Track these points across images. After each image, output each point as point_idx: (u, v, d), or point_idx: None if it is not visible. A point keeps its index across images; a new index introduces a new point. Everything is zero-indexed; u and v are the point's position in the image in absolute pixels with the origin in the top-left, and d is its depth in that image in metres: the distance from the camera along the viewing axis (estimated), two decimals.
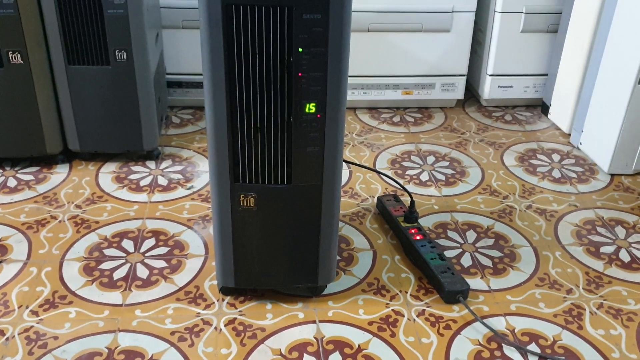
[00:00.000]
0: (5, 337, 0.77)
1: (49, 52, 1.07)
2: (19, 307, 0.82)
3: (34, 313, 0.81)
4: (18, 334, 0.78)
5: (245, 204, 0.76)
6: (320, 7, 0.65)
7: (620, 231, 1.04)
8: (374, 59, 1.41)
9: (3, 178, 1.13)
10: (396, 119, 1.45)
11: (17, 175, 1.15)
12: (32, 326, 0.79)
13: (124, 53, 1.07)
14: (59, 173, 1.16)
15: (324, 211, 0.78)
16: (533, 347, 0.79)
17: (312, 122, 0.71)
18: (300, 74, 0.68)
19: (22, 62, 1.05)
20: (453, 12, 1.37)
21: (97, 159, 1.21)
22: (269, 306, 0.84)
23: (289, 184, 0.75)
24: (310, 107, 0.70)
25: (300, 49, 0.67)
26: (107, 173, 1.17)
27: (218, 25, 0.65)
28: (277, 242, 0.79)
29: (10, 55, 1.04)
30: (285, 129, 0.72)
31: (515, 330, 0.81)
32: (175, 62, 1.37)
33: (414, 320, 0.82)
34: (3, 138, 1.12)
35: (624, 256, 0.98)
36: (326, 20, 0.65)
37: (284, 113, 0.71)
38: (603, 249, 0.99)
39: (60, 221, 1.01)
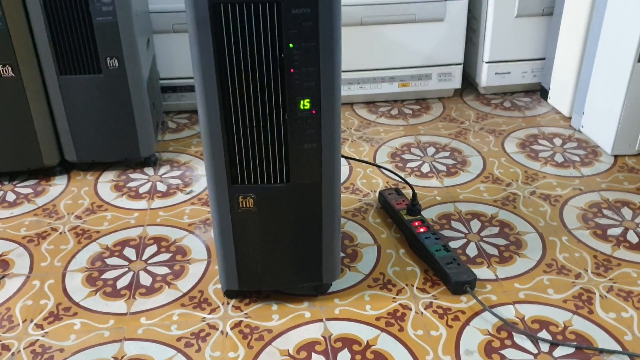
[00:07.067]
0: (11, 352, 0.77)
1: (40, 63, 1.06)
2: (23, 322, 0.82)
3: (39, 326, 0.81)
4: (24, 349, 0.77)
5: (244, 205, 0.75)
6: (309, 1, 0.63)
7: (627, 212, 1.03)
8: (368, 53, 1.40)
9: (2, 192, 1.13)
10: (394, 111, 1.44)
11: (16, 189, 1.14)
12: (37, 340, 0.79)
13: (115, 60, 1.06)
14: (58, 184, 1.15)
15: (324, 208, 0.77)
16: (544, 334, 0.78)
17: (307, 119, 0.70)
18: (292, 70, 0.67)
19: (13, 75, 1.05)
20: (446, 0, 1.36)
21: (95, 168, 1.20)
22: (274, 307, 0.83)
23: (288, 183, 0.74)
24: (305, 104, 0.69)
25: (291, 45, 0.66)
26: (106, 182, 1.16)
27: (206, 25, 0.64)
28: (279, 242, 0.78)
29: (1, 69, 1.04)
30: (281, 126, 0.71)
31: (525, 318, 0.80)
32: (168, 66, 1.36)
33: (422, 313, 0.81)
34: None
35: (632, 237, 0.96)
36: (315, 14, 0.64)
37: (278, 111, 0.70)
38: (610, 231, 0.98)
39: (60, 233, 1.01)
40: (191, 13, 0.64)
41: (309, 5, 0.64)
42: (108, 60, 1.06)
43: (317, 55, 0.66)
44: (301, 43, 0.66)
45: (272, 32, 0.65)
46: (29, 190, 1.13)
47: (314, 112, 0.70)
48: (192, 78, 1.38)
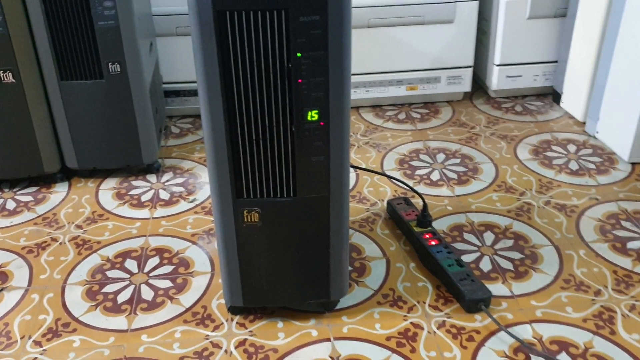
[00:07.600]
0: None
1: (41, 68, 1.03)
2: (21, 338, 0.79)
3: (37, 343, 0.78)
4: None
5: (249, 220, 0.72)
6: (317, 8, 0.60)
7: None
8: (375, 55, 1.36)
9: (2, 200, 1.10)
10: (402, 116, 1.40)
11: (16, 196, 1.11)
12: (35, 358, 0.76)
13: (117, 65, 1.03)
14: (58, 192, 1.12)
15: (332, 223, 0.73)
16: (563, 356, 0.74)
17: (315, 130, 0.67)
18: (300, 80, 0.64)
19: (14, 80, 1.02)
20: (456, 1, 1.32)
21: (97, 175, 1.17)
22: (280, 324, 0.80)
23: (294, 197, 0.71)
24: (313, 115, 0.66)
25: (298, 54, 0.62)
26: (107, 190, 1.13)
27: (211, 33, 0.61)
28: (285, 258, 0.75)
29: (1, 75, 1.01)
30: (288, 138, 0.67)
31: (543, 339, 0.77)
32: (172, 70, 1.33)
33: (435, 332, 0.78)
34: None
35: None
36: (325, 22, 0.61)
37: (285, 122, 0.67)
38: (630, 245, 0.94)
39: (60, 243, 0.98)
40: (195, 20, 0.61)
41: (318, 13, 0.60)
42: (110, 66, 1.03)
43: (325, 64, 0.63)
44: (309, 52, 0.62)
45: (279, 40, 0.62)
46: (29, 198, 1.11)
47: (322, 123, 0.67)
48: (195, 82, 1.36)
